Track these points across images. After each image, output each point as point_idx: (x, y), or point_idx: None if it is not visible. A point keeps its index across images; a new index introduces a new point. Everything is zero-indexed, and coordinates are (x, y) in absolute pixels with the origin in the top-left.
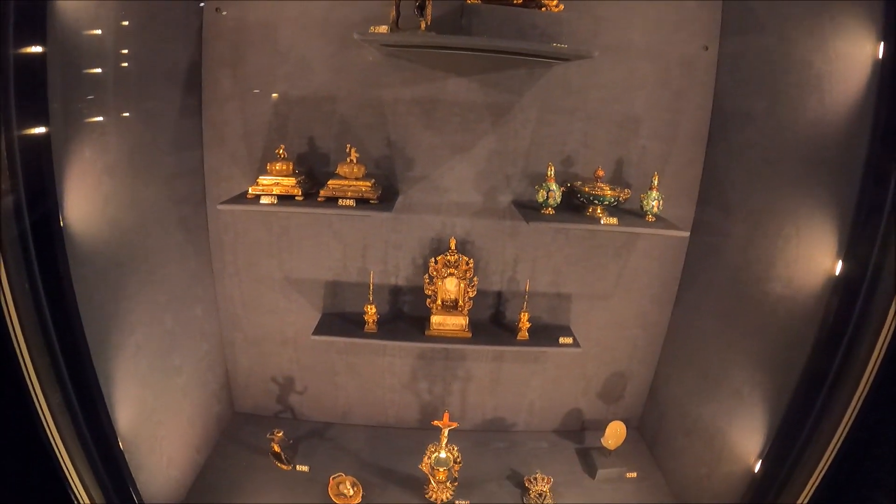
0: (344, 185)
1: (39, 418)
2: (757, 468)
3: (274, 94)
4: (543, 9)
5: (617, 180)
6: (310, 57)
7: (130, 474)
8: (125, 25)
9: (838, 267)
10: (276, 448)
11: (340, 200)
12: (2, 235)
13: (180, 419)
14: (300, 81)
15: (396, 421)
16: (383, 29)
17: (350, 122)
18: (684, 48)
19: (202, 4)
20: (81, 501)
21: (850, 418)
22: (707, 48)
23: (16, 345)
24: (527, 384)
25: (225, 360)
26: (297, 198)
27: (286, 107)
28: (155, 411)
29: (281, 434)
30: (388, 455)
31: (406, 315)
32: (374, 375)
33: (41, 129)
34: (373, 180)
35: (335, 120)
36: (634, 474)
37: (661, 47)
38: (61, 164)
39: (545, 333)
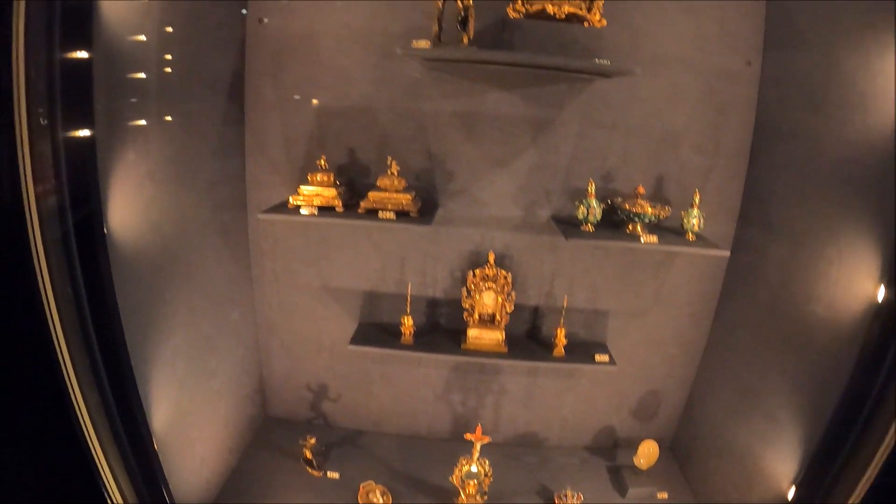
0: (384, 198)
1: (77, 417)
2: (791, 494)
3: (315, 105)
4: (586, 23)
5: (657, 196)
6: (351, 68)
7: (164, 474)
8: (170, 32)
9: (880, 292)
10: (308, 454)
11: (380, 213)
12: (46, 237)
13: (214, 421)
14: (341, 92)
15: (428, 432)
16: (425, 43)
17: (390, 133)
18: (726, 63)
19: (245, 14)
20: (114, 500)
21: (888, 446)
22: (750, 63)
23: (57, 345)
24: (560, 399)
25: (260, 364)
26: (337, 209)
27: (327, 117)
28: (190, 413)
29: (313, 440)
30: (419, 465)
31: (442, 327)
32: (408, 386)
33: (86, 133)
34: (413, 193)
35: (375, 131)
36: (665, 495)
37: (703, 62)
38: (105, 169)
39: (581, 350)
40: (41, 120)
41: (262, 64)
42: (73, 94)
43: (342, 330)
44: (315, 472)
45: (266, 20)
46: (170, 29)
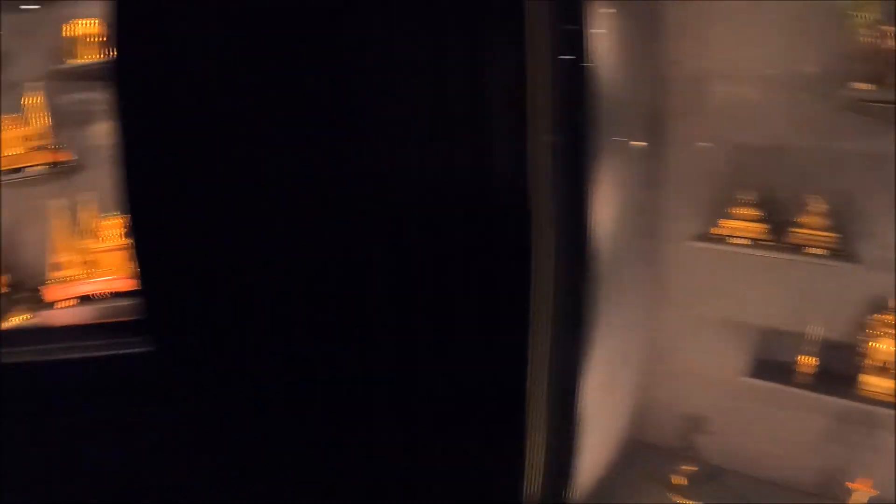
0: (810, 235)
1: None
2: None
3: (729, 141)
4: None
5: None
6: (766, 107)
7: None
8: (615, 69)
9: None
10: (678, 481)
11: (807, 249)
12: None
13: (602, 434)
14: (756, 130)
15: (797, 481)
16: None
17: (802, 172)
18: None
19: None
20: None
21: None
22: None
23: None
24: None
25: (646, 387)
26: (764, 243)
27: (741, 155)
28: (588, 422)
29: (686, 469)
30: None
31: (834, 371)
32: (787, 429)
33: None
34: (836, 233)
35: (789, 170)
36: None
37: None
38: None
39: None
40: (544, 136)
41: (681, 102)
42: (573, 117)
43: (730, 363)
44: (682, 501)
45: (684, 61)
46: (615, 66)
